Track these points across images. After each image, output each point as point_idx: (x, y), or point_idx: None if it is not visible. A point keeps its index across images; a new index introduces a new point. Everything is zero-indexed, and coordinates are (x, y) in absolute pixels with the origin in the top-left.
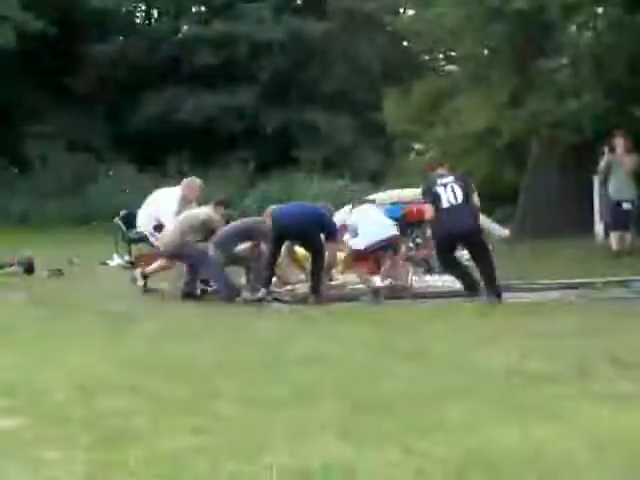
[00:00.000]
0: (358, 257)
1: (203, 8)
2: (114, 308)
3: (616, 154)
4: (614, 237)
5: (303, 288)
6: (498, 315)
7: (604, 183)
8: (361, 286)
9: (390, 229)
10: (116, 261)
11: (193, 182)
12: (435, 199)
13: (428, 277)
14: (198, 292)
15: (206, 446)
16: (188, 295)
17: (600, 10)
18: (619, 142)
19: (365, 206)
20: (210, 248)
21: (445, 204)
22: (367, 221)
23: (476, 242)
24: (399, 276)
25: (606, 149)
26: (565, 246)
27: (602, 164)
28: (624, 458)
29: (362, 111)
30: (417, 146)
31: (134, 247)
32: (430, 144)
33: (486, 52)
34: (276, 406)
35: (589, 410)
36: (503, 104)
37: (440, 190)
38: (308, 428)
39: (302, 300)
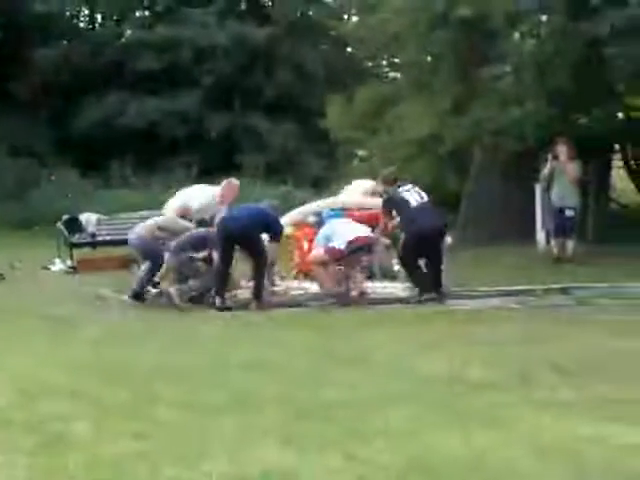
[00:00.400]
0: (334, 258)
1: (147, 13)
2: (56, 312)
3: (559, 161)
4: (555, 244)
5: (245, 294)
6: (439, 322)
7: (547, 190)
8: (303, 292)
9: (367, 230)
10: (58, 266)
11: (233, 183)
12: (400, 204)
13: (369, 284)
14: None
15: (146, 451)
16: (137, 296)
17: (544, 18)
18: (562, 149)
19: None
20: (166, 254)
21: (414, 203)
22: (343, 224)
23: (439, 242)
24: (356, 283)
25: (549, 156)
26: (506, 253)
27: (545, 171)
28: (565, 465)
29: (306, 117)
30: (360, 152)
31: (76, 252)
32: (373, 151)
33: (429, 59)
34: (217, 412)
35: (530, 417)
36: (446, 111)
37: (405, 194)
38: (249, 434)
39: (244, 306)
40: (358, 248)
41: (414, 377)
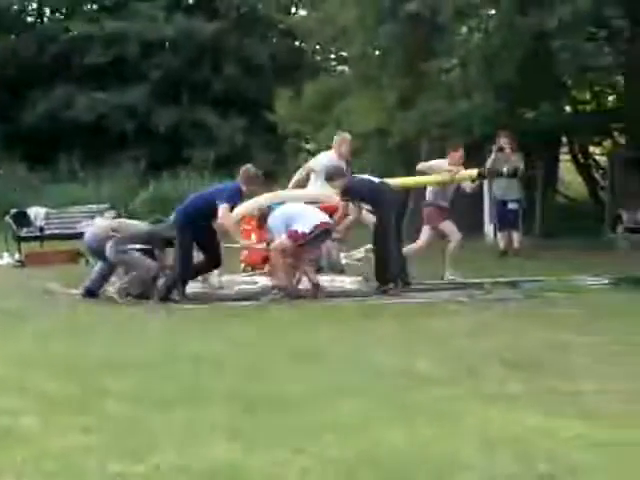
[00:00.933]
0: (296, 243)
1: (94, 6)
2: (4, 306)
3: (503, 154)
4: (501, 237)
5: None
6: (389, 316)
7: (490, 183)
8: (252, 285)
9: (326, 216)
10: (6, 259)
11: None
12: (362, 185)
13: (318, 277)
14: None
15: (94, 445)
16: (91, 293)
17: (492, 12)
18: (505, 142)
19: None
20: (108, 246)
21: (377, 180)
22: (302, 208)
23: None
24: (308, 275)
25: (493, 148)
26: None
27: (488, 164)
28: (512, 457)
29: (254, 111)
30: (308, 146)
31: (24, 245)
32: (321, 144)
33: (377, 53)
34: (165, 406)
35: (478, 410)
36: (394, 105)
37: (366, 177)
38: (197, 428)
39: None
40: (322, 232)
41: (363, 371)
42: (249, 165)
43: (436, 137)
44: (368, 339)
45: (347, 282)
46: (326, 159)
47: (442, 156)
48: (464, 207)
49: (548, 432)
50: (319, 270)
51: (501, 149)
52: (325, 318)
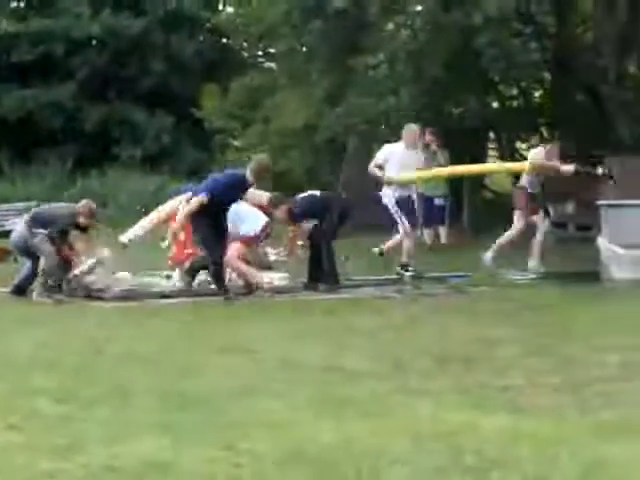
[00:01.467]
0: (250, 246)
1: (21, 4)
2: None
3: (428, 150)
4: (427, 233)
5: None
6: (318, 311)
7: None
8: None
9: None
10: None
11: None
12: (307, 202)
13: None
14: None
15: (22, 443)
16: (19, 291)
17: (419, 8)
18: (430, 139)
19: None
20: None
21: (318, 193)
22: (248, 208)
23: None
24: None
25: (421, 145)
26: (382, 242)
27: None
28: (441, 452)
29: (182, 108)
30: (236, 143)
31: None
32: (248, 141)
33: (304, 49)
34: (93, 403)
35: (407, 405)
36: (321, 101)
37: (308, 193)
38: (125, 426)
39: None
40: (266, 235)
41: (291, 366)
42: (264, 155)
43: (363, 133)
44: (297, 334)
45: (275, 279)
46: (395, 150)
47: (369, 153)
48: None
49: (476, 426)
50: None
51: (427, 146)
52: (256, 314)
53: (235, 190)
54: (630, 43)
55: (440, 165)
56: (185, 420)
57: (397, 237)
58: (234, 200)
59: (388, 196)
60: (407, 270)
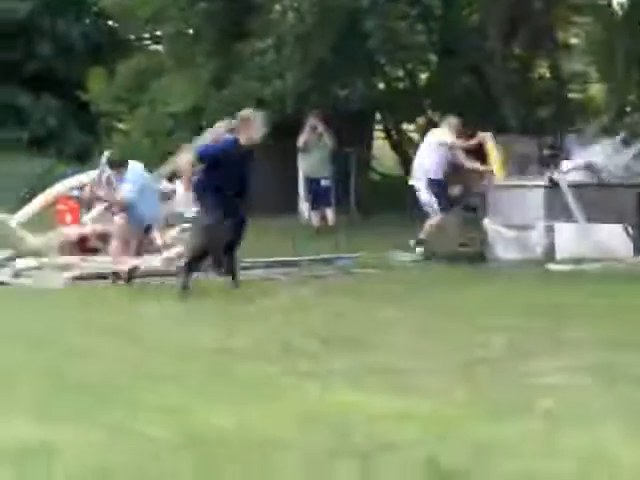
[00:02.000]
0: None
1: None
2: None
3: (315, 132)
4: (314, 215)
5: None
6: (205, 294)
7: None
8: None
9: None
10: None
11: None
12: None
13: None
14: None
15: None
16: None
17: None
18: (316, 121)
19: None
20: None
21: None
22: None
23: None
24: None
25: (308, 128)
26: (271, 224)
27: (299, 143)
28: (329, 434)
29: (67, 90)
30: (121, 126)
31: None
32: (136, 124)
33: (191, 32)
34: None
35: (296, 388)
36: (208, 84)
37: None
38: (6, 409)
39: None
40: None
41: (181, 350)
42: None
43: None
44: (184, 318)
45: (157, 260)
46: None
47: None
48: (278, 185)
49: (365, 409)
50: None
51: (314, 128)
52: (140, 297)
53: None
54: (516, 25)
55: (326, 147)
56: (69, 403)
57: None
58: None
59: None
60: None
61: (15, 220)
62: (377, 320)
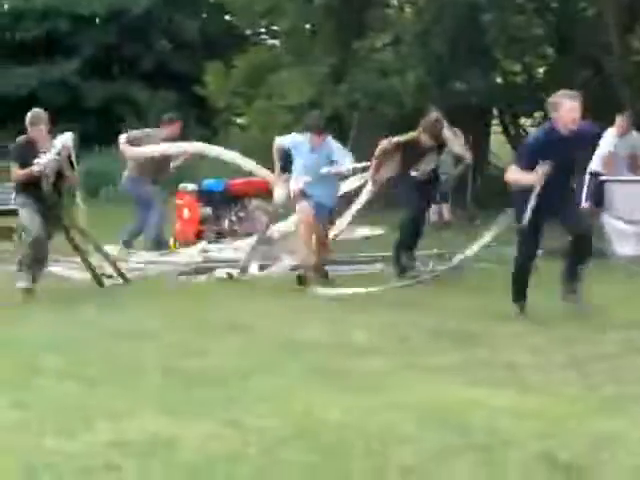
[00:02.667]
0: None
1: None
2: None
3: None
4: (433, 211)
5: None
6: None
7: None
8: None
9: None
10: None
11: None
12: None
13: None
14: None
15: (27, 422)
16: None
17: None
18: (438, 116)
19: None
20: None
21: None
22: None
23: None
24: None
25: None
26: (384, 219)
27: None
28: (449, 430)
29: (185, 85)
30: (239, 120)
31: None
32: (252, 118)
33: (308, 27)
34: (98, 382)
35: (413, 382)
36: (325, 79)
37: None
38: (130, 403)
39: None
40: None
41: (294, 344)
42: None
43: (367, 111)
44: (297, 312)
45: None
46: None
47: (374, 129)
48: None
49: (483, 403)
50: None
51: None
52: (254, 293)
53: None
54: (635, 17)
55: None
56: (187, 397)
57: None
58: None
59: None
60: None
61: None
62: (493, 315)
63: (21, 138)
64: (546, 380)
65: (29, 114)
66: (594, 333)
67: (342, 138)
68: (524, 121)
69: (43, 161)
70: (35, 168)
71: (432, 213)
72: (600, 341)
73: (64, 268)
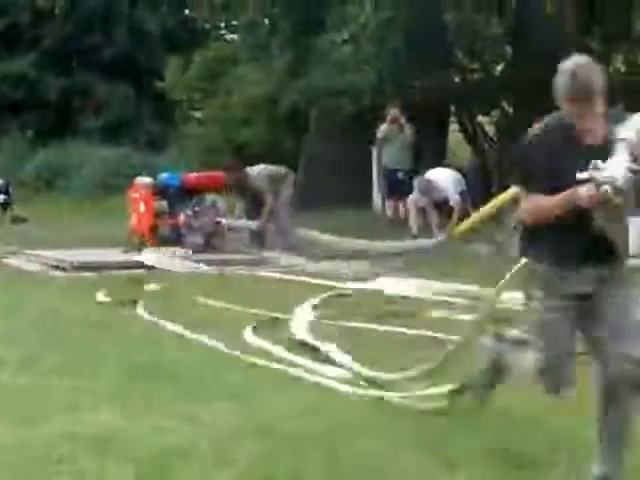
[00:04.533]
0: None
1: None
2: None
3: (396, 125)
4: (389, 206)
5: None
6: None
7: (380, 153)
8: None
9: None
10: None
11: None
12: None
13: None
14: None
15: None
16: None
17: None
18: (396, 112)
19: None
20: None
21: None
22: None
23: None
24: None
25: (389, 119)
26: (344, 215)
27: (379, 134)
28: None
29: (143, 78)
30: (198, 115)
31: None
32: (209, 112)
33: (267, 22)
34: (52, 372)
35: None
36: (283, 74)
37: None
38: (86, 396)
39: None
40: None
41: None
42: None
43: (325, 106)
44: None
45: None
46: None
47: (332, 125)
48: (352, 176)
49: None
50: None
51: (394, 120)
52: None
53: None
54: (592, 17)
55: (406, 138)
56: (140, 390)
57: None
58: None
59: None
60: None
61: None
62: None
63: None
64: None
65: None
66: None
67: (299, 134)
68: (482, 119)
69: None
70: None
71: (388, 208)
72: None
73: (18, 260)
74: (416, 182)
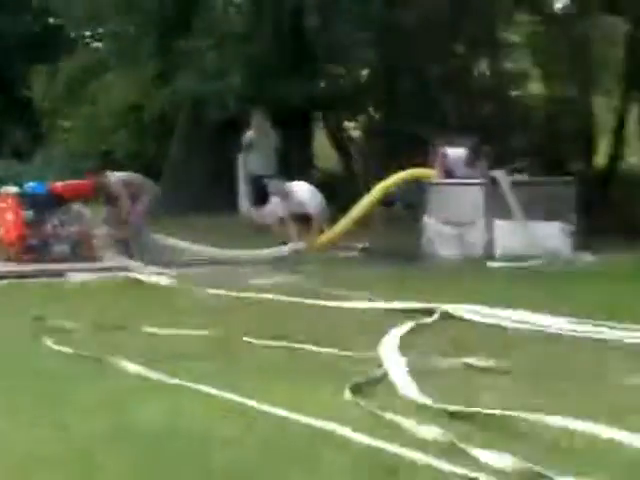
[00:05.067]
0: None
1: None
2: None
3: (258, 129)
4: (255, 212)
5: None
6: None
7: (245, 159)
8: None
9: None
10: None
11: None
12: None
13: None
14: None
15: None
16: None
17: None
18: (259, 118)
19: None
20: None
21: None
22: None
23: None
24: None
25: (254, 125)
26: (209, 222)
27: (244, 140)
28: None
29: (8, 87)
30: (65, 123)
31: None
32: (77, 121)
33: (133, 30)
34: None
35: None
36: (148, 81)
37: None
38: None
39: None
40: None
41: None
42: None
43: (191, 113)
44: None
45: None
46: None
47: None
48: (218, 182)
49: None
50: None
51: (260, 126)
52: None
53: None
54: (458, 23)
55: (271, 145)
56: (15, 400)
57: None
58: None
59: None
60: None
61: None
62: None
63: None
64: None
65: None
66: None
67: (166, 141)
68: (348, 124)
69: None
70: None
71: (255, 214)
72: None
73: None
74: (271, 186)
